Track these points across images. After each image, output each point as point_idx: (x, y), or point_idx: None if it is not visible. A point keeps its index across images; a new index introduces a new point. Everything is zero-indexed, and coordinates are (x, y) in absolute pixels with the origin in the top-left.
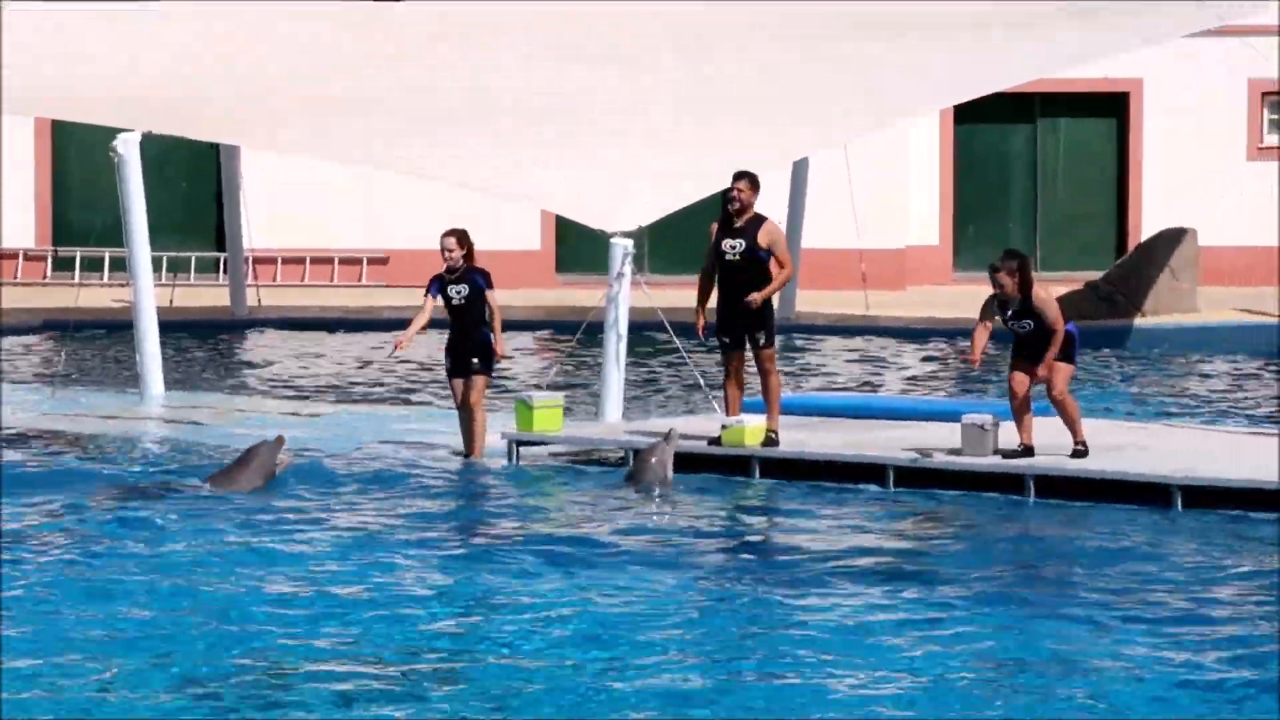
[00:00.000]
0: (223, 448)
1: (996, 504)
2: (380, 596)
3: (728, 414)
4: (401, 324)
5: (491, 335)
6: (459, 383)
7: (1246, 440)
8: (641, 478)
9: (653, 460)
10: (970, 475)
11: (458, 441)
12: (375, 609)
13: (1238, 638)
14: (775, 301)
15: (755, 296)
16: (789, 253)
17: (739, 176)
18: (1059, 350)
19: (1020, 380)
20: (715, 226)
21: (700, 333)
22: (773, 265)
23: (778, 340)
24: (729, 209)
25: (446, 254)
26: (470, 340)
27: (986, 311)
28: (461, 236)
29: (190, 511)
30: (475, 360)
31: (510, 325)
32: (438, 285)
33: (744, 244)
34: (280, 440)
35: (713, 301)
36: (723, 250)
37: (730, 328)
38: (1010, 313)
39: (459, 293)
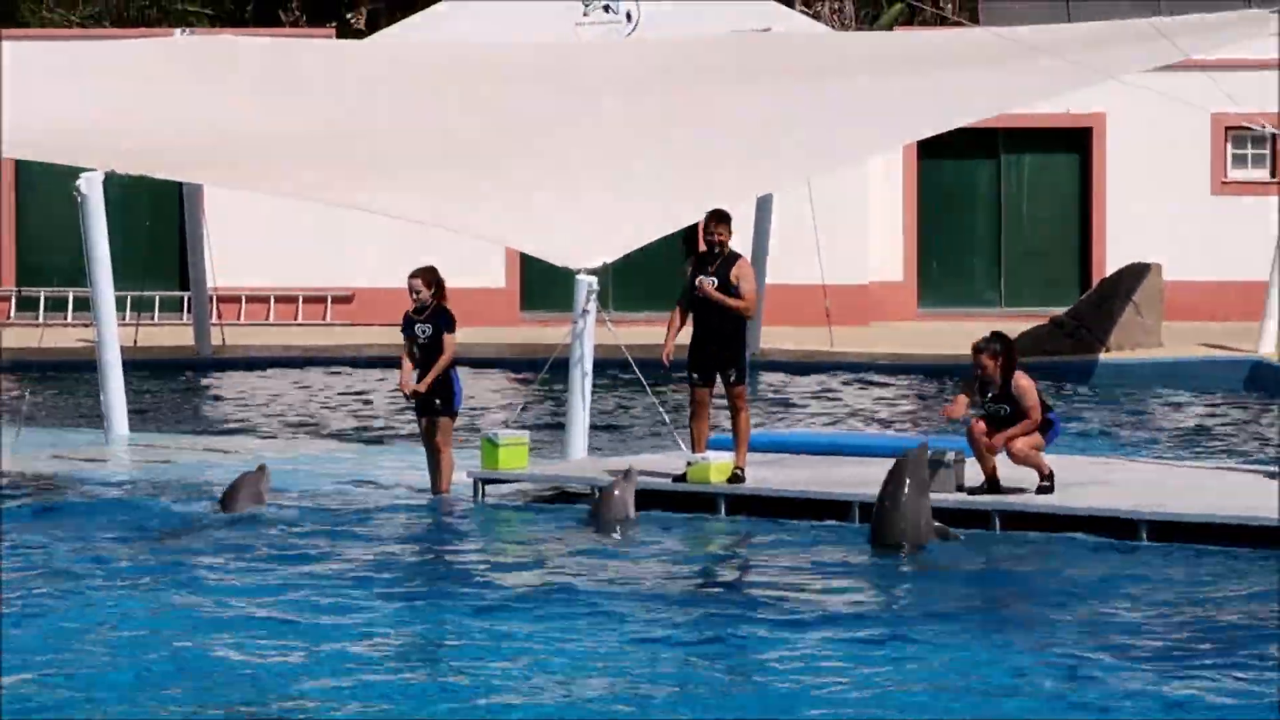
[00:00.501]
0: (187, 487)
1: (963, 540)
2: (344, 634)
3: (693, 451)
4: (367, 362)
5: (455, 376)
6: (424, 421)
7: (1212, 475)
8: (604, 516)
9: (614, 498)
10: (936, 511)
11: (424, 479)
12: (339, 646)
13: (1207, 670)
14: (748, 335)
15: (708, 287)
16: (755, 294)
17: (721, 219)
18: (1038, 429)
19: (980, 426)
20: (690, 260)
21: (665, 359)
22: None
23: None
24: (712, 250)
25: (415, 296)
26: (434, 381)
27: (968, 387)
28: (428, 276)
29: (155, 551)
30: (438, 401)
31: (475, 363)
32: (406, 323)
33: (717, 281)
34: (262, 469)
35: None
36: (696, 286)
37: (701, 364)
38: (989, 395)
39: (424, 332)
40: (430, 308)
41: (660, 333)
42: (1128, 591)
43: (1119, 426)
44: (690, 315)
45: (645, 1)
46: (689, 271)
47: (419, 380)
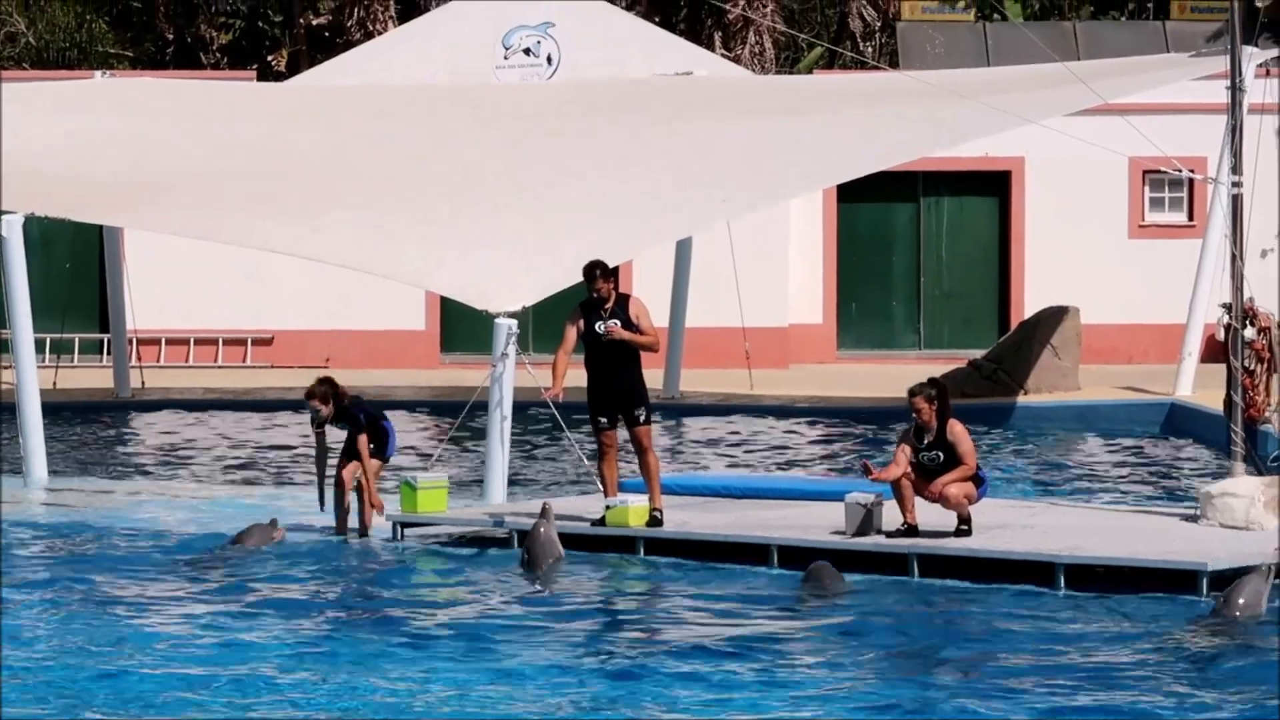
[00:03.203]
0: (109, 531)
1: (880, 584)
2: (260, 678)
3: (606, 494)
4: (286, 405)
5: (390, 427)
6: (351, 464)
7: (1129, 518)
8: (538, 557)
9: (540, 538)
10: (854, 555)
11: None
12: (254, 691)
13: (1124, 712)
14: (658, 369)
15: (616, 327)
16: (654, 328)
17: (605, 275)
18: (969, 484)
19: (901, 464)
20: (578, 310)
21: (559, 394)
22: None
23: (661, 418)
24: (601, 297)
25: (316, 415)
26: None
27: (904, 438)
28: (325, 392)
29: (73, 597)
30: (372, 445)
31: (395, 405)
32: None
33: (620, 323)
34: (274, 523)
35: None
36: (597, 332)
37: (606, 406)
38: (924, 442)
39: (342, 426)
40: (336, 413)
41: (574, 375)
42: (1044, 635)
43: (1038, 470)
44: (587, 361)
45: (566, 43)
46: (580, 320)
47: (384, 436)
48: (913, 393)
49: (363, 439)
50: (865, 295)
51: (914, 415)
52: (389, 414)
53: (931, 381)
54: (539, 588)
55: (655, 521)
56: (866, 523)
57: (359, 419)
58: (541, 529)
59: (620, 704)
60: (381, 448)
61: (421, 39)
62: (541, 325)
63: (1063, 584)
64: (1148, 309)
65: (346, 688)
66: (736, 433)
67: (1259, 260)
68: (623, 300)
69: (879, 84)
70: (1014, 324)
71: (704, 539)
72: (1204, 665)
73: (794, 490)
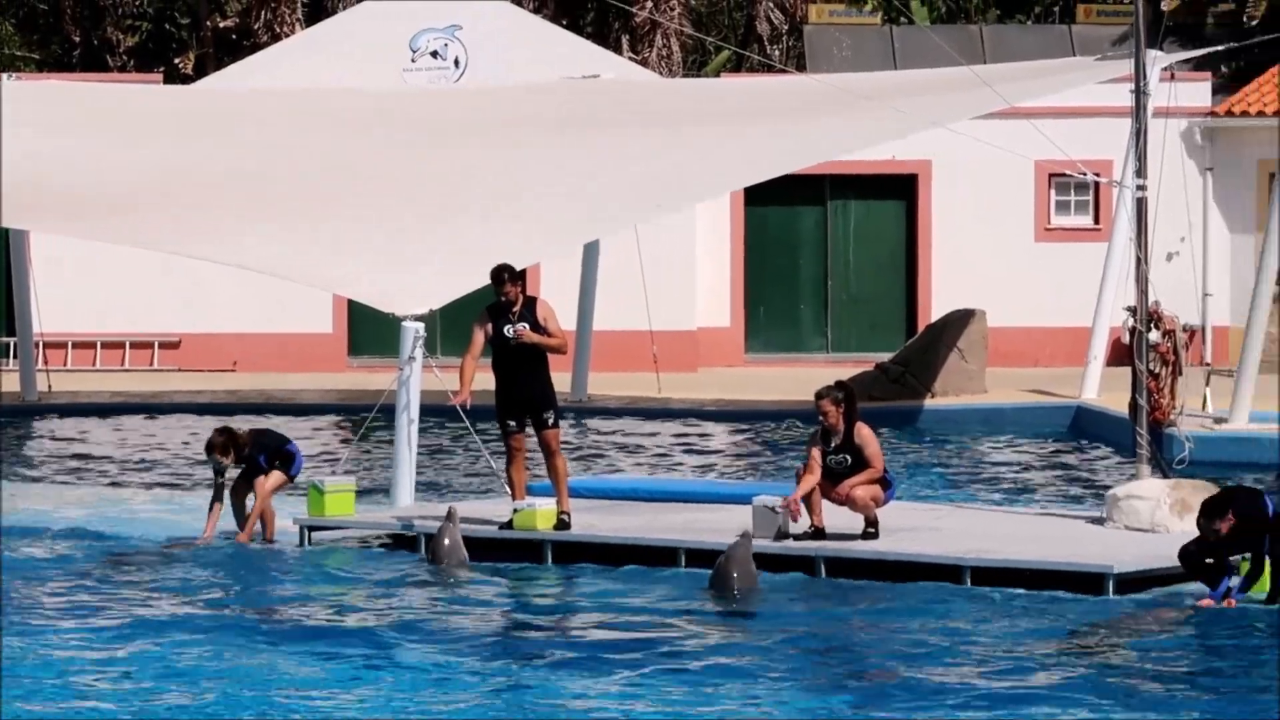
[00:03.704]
0: (9, 533)
1: (787, 585)
2: (164, 681)
3: (514, 498)
4: (195, 409)
5: (296, 449)
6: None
7: (1036, 521)
8: (441, 561)
9: (445, 543)
10: (761, 557)
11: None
12: (159, 694)
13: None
14: (566, 373)
15: (527, 332)
16: (562, 330)
17: (513, 278)
18: (876, 487)
19: (815, 470)
20: (485, 314)
21: (467, 400)
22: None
23: (570, 422)
24: (509, 301)
25: (219, 466)
26: (270, 461)
27: (813, 441)
28: (224, 443)
29: None
30: (277, 462)
31: (302, 409)
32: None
33: (528, 325)
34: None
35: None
36: (505, 336)
37: (514, 410)
38: (832, 446)
39: (241, 468)
40: (238, 459)
41: (482, 379)
42: (950, 635)
43: (945, 472)
44: (495, 365)
45: (473, 46)
46: (488, 324)
47: (291, 458)
48: (820, 396)
49: (260, 482)
50: (773, 299)
51: (821, 418)
52: (295, 417)
53: (839, 385)
54: (444, 590)
55: (563, 525)
56: (774, 525)
57: (260, 465)
58: (446, 533)
59: (523, 705)
60: (286, 468)
61: (329, 41)
62: (449, 328)
63: (969, 586)
64: (1054, 312)
65: (244, 688)
66: (644, 436)
67: (1164, 263)
68: (530, 303)
69: (786, 87)
70: (921, 327)
71: (612, 542)
72: (1109, 666)
73: (702, 493)
